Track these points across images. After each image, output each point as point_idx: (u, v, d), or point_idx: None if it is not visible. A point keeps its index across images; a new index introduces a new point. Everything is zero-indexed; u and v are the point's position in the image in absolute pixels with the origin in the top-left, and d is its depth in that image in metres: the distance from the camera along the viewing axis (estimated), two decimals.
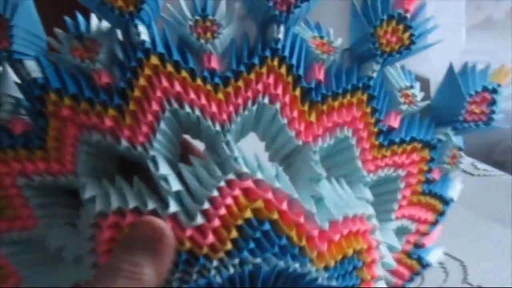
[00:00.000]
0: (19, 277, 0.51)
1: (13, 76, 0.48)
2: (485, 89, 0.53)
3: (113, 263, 0.42)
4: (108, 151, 0.46)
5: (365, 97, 0.50)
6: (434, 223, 0.58)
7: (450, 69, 0.53)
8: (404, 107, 0.52)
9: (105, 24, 0.46)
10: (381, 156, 0.52)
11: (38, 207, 0.48)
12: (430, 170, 0.55)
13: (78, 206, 0.48)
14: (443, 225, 0.81)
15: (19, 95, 0.46)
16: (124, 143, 0.45)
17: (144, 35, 0.45)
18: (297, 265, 0.44)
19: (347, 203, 0.48)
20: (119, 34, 0.47)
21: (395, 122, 0.52)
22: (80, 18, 0.46)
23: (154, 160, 0.45)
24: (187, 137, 0.49)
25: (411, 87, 0.53)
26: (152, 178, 0.45)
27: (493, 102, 0.54)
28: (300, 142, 0.49)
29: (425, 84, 0.55)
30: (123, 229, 0.44)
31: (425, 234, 0.58)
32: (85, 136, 0.46)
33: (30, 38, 0.45)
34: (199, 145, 0.49)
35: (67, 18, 0.46)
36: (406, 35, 0.50)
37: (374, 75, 0.51)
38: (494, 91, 0.54)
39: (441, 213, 0.58)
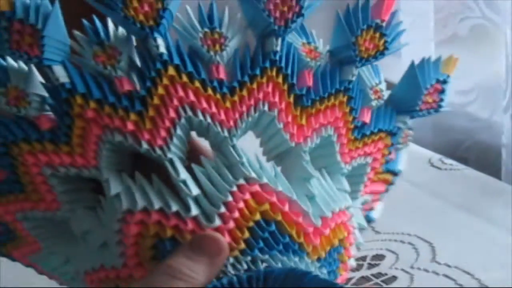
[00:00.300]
0: (39, 246, 0.52)
1: (39, 76, 0.47)
2: (437, 81, 0.54)
3: (174, 265, 0.42)
4: (128, 149, 0.46)
5: (345, 99, 0.51)
6: (385, 192, 0.59)
7: (412, 65, 0.54)
8: (374, 102, 0.53)
9: (122, 30, 0.46)
10: (355, 148, 0.53)
11: (61, 193, 0.48)
12: (389, 153, 0.56)
13: (98, 190, 0.48)
14: (415, 212, 0.82)
15: (45, 93, 0.46)
16: (145, 145, 0.45)
17: (162, 47, 0.45)
18: (296, 259, 0.45)
19: (333, 198, 0.49)
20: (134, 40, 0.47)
21: (367, 118, 0.53)
22: (98, 23, 0.46)
23: (171, 163, 0.45)
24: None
25: (380, 82, 0.54)
26: (169, 178, 0.45)
27: (443, 91, 0.55)
28: (293, 144, 0.49)
29: None
30: (149, 226, 0.45)
31: (377, 200, 0.59)
32: (107, 136, 0.45)
33: (58, 46, 0.45)
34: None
35: (86, 23, 0.45)
36: (382, 42, 0.51)
37: (354, 78, 0.51)
38: (444, 81, 0.54)
39: (391, 183, 0.59)
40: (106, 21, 0.46)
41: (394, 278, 0.73)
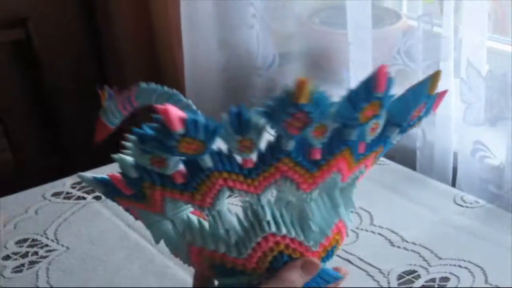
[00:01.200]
0: (161, 211, 0.44)
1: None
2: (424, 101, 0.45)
3: (292, 279, 0.43)
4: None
5: (348, 151, 0.43)
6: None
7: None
8: (369, 139, 0.43)
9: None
10: (354, 167, 0.44)
11: (219, 199, 0.43)
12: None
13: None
14: (359, 192, 0.83)
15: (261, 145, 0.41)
16: (301, 191, 0.43)
17: (291, 145, 0.41)
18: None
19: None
20: None
21: (363, 149, 0.43)
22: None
23: (310, 207, 0.43)
24: None
25: (379, 118, 0.44)
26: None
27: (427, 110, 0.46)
28: (304, 196, 0.44)
29: None
30: (280, 245, 0.43)
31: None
32: (282, 180, 0.42)
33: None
34: None
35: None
36: (379, 107, 0.41)
37: (355, 138, 0.42)
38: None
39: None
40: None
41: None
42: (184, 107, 0.49)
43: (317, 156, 0.42)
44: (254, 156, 0.41)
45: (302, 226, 0.44)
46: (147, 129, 0.39)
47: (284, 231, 0.43)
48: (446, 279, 0.66)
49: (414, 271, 0.67)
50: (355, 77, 1.01)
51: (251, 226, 0.43)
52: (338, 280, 0.45)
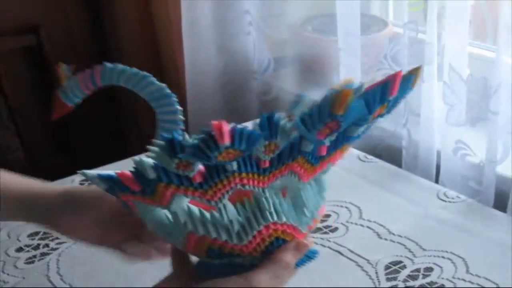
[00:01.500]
0: (166, 204, 0.43)
1: None
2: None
3: (287, 260, 0.43)
4: None
5: (347, 143, 0.43)
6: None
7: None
8: (361, 130, 0.43)
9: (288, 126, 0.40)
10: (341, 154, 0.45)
11: (229, 194, 0.42)
12: None
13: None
14: (349, 188, 0.83)
15: (282, 143, 0.41)
16: (301, 181, 0.43)
17: (309, 147, 0.41)
18: None
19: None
20: None
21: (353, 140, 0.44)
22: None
23: (303, 191, 0.43)
24: None
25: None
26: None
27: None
28: (301, 185, 0.44)
29: None
30: (278, 231, 0.43)
31: None
32: (287, 174, 0.42)
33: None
34: None
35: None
36: (385, 107, 0.41)
37: (357, 135, 0.43)
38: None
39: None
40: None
41: (336, 228, 0.74)
42: (158, 90, 0.47)
43: (324, 153, 0.42)
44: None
45: (297, 212, 0.44)
46: (180, 137, 0.39)
47: (284, 219, 0.43)
48: (430, 269, 0.66)
49: (400, 262, 0.67)
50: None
51: (253, 215, 0.43)
52: (316, 255, 0.45)
